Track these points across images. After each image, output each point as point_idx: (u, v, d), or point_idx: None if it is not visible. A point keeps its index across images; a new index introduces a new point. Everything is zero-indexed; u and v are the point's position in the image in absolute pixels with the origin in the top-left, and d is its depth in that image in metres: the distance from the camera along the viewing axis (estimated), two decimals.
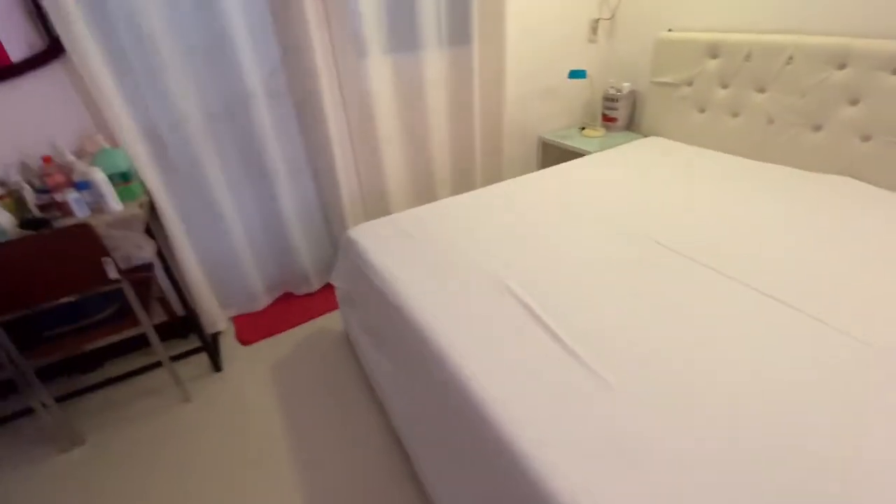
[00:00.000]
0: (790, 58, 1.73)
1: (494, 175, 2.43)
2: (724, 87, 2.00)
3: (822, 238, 1.34)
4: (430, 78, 2.06)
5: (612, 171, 1.95)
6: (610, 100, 2.43)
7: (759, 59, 1.83)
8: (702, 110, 2.11)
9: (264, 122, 1.77)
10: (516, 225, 1.57)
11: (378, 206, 2.21)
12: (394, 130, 2.11)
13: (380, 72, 1.94)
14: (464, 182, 2.39)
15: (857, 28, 1.58)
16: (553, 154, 2.75)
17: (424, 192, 2.33)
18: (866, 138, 1.62)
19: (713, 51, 1.98)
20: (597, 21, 2.39)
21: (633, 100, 2.45)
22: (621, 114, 2.45)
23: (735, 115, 1.99)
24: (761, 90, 1.87)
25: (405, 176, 2.26)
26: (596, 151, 2.23)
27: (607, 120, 2.48)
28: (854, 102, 1.63)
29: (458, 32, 2.05)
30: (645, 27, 2.29)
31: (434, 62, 2.04)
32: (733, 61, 1.91)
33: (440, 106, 2.16)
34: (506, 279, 1.26)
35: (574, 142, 2.41)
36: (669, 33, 2.14)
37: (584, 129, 2.55)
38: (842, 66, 1.62)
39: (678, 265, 1.28)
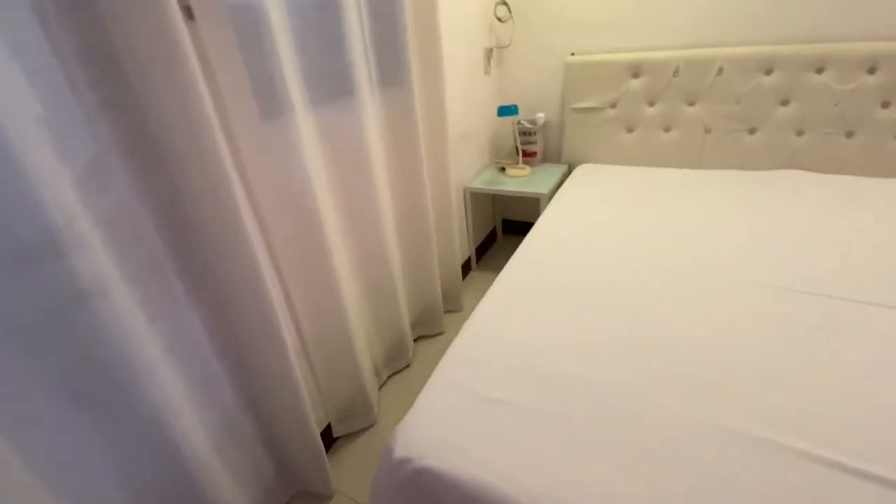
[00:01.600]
0: (720, 69, 1.78)
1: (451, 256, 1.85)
2: (652, 104, 1.97)
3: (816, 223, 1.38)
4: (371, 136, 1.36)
5: (604, 211, 1.66)
6: (526, 134, 2.17)
7: (688, 73, 1.84)
8: (630, 130, 2.05)
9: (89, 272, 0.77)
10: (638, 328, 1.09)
11: (341, 370, 1.38)
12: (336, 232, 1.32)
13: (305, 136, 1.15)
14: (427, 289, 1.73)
15: (778, 36, 1.72)
16: (481, 204, 2.34)
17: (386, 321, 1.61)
18: (800, 133, 1.78)
19: (635, 70, 1.93)
20: (490, 51, 2.10)
21: (547, 130, 2.26)
22: (540, 146, 2.22)
23: (667, 129, 1.99)
24: (692, 103, 1.90)
25: (366, 307, 1.50)
26: (531, 191, 1.96)
27: (526, 155, 2.21)
28: (785, 103, 1.76)
29: (391, 75, 1.42)
30: (538, 55, 2.12)
31: (372, 115, 1.36)
32: (659, 78, 1.89)
33: (386, 180, 1.48)
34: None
35: (506, 186, 2.06)
36: (577, 57, 2.01)
37: (503, 169, 2.22)
38: (769, 72, 1.74)
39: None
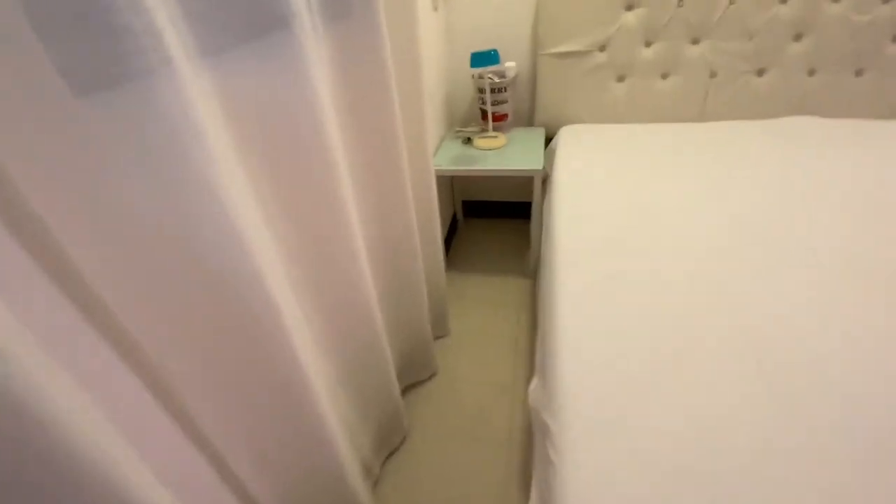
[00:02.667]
0: None
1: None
2: (649, 44, 1.59)
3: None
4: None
5: (625, 182, 1.27)
6: (497, 91, 1.65)
7: (696, 1, 1.47)
8: (621, 79, 1.66)
9: None
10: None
11: None
12: None
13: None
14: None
15: None
16: (439, 187, 1.82)
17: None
18: (812, 72, 1.55)
19: (629, 0, 1.51)
20: None
21: (516, 85, 1.77)
22: (511, 107, 1.73)
23: (665, 76, 1.63)
24: (697, 41, 1.56)
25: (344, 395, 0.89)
26: (521, 168, 1.50)
27: (497, 119, 1.71)
28: (798, 38, 1.51)
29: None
30: None
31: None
32: (661, 9, 1.50)
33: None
34: None
35: (485, 163, 1.56)
36: None
37: (469, 140, 1.70)
38: (784, 0, 1.45)
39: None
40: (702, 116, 1.65)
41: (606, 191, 1.27)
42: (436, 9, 1.55)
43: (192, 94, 0.48)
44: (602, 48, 1.60)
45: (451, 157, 1.60)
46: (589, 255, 1.03)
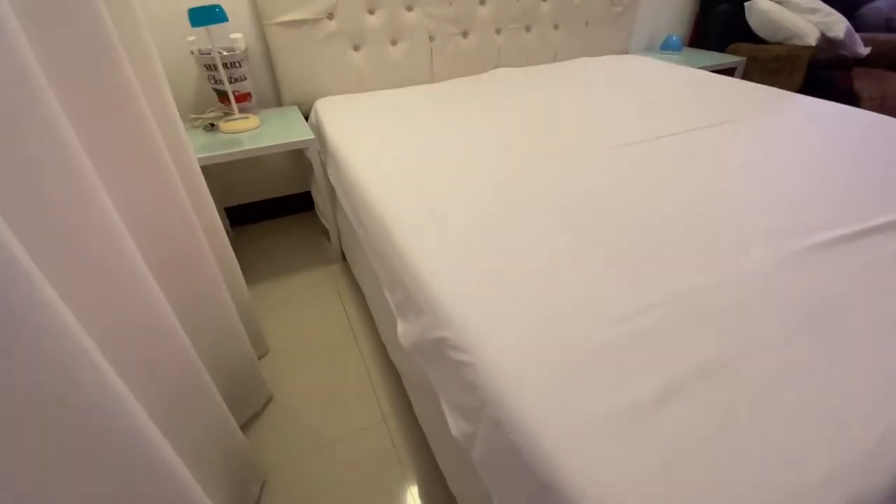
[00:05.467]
0: None
1: None
2: (372, 12, 1.65)
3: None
4: None
5: (401, 135, 1.32)
6: (232, 66, 1.43)
7: None
8: (357, 48, 1.68)
9: None
10: None
11: None
12: None
13: None
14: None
15: None
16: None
17: None
18: (499, 31, 1.91)
19: None
20: None
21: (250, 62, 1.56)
22: (253, 86, 1.53)
23: (395, 42, 1.74)
24: (410, 7, 1.70)
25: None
26: (291, 140, 1.37)
27: (240, 100, 1.49)
28: (483, 3, 1.83)
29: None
30: None
31: None
32: None
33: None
34: None
35: (243, 145, 1.34)
36: None
37: (212, 126, 1.43)
38: None
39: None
40: (432, 77, 1.85)
41: (386, 147, 1.26)
42: None
43: None
44: (330, 16, 1.58)
45: (199, 147, 1.31)
46: (403, 194, 1.01)
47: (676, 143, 1.22)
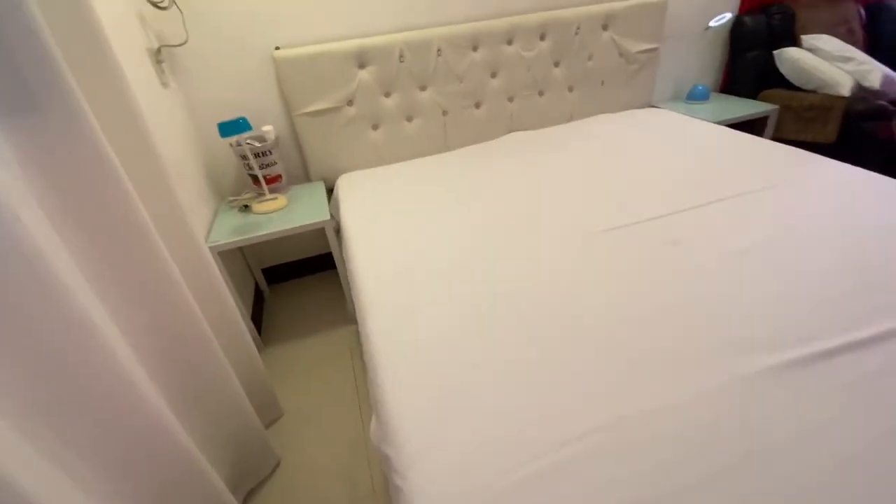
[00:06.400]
0: (439, 50, 1.79)
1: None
2: (388, 95, 1.82)
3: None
4: None
5: (409, 216, 1.45)
6: (261, 155, 1.66)
7: (413, 57, 1.76)
8: (375, 127, 1.86)
9: None
10: None
11: None
12: None
13: None
14: None
15: (475, 14, 1.83)
16: (230, 261, 1.72)
17: None
18: (511, 99, 2.01)
19: (360, 60, 1.72)
20: (159, 53, 1.45)
21: (281, 146, 1.79)
22: (282, 167, 1.75)
23: (410, 119, 1.89)
24: (423, 87, 1.85)
25: None
26: (309, 223, 1.54)
27: (270, 182, 1.70)
28: (494, 75, 1.94)
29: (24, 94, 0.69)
30: (230, 53, 1.62)
31: None
32: (388, 65, 1.75)
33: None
34: None
35: (269, 227, 1.54)
36: (285, 52, 1.63)
37: (246, 207, 1.65)
38: (476, 48, 1.86)
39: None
40: (446, 147, 1.98)
41: (390, 224, 1.40)
42: (165, 85, 1.48)
43: None
44: (350, 102, 1.77)
45: (230, 229, 1.53)
46: (391, 285, 1.12)
47: (666, 226, 1.22)
